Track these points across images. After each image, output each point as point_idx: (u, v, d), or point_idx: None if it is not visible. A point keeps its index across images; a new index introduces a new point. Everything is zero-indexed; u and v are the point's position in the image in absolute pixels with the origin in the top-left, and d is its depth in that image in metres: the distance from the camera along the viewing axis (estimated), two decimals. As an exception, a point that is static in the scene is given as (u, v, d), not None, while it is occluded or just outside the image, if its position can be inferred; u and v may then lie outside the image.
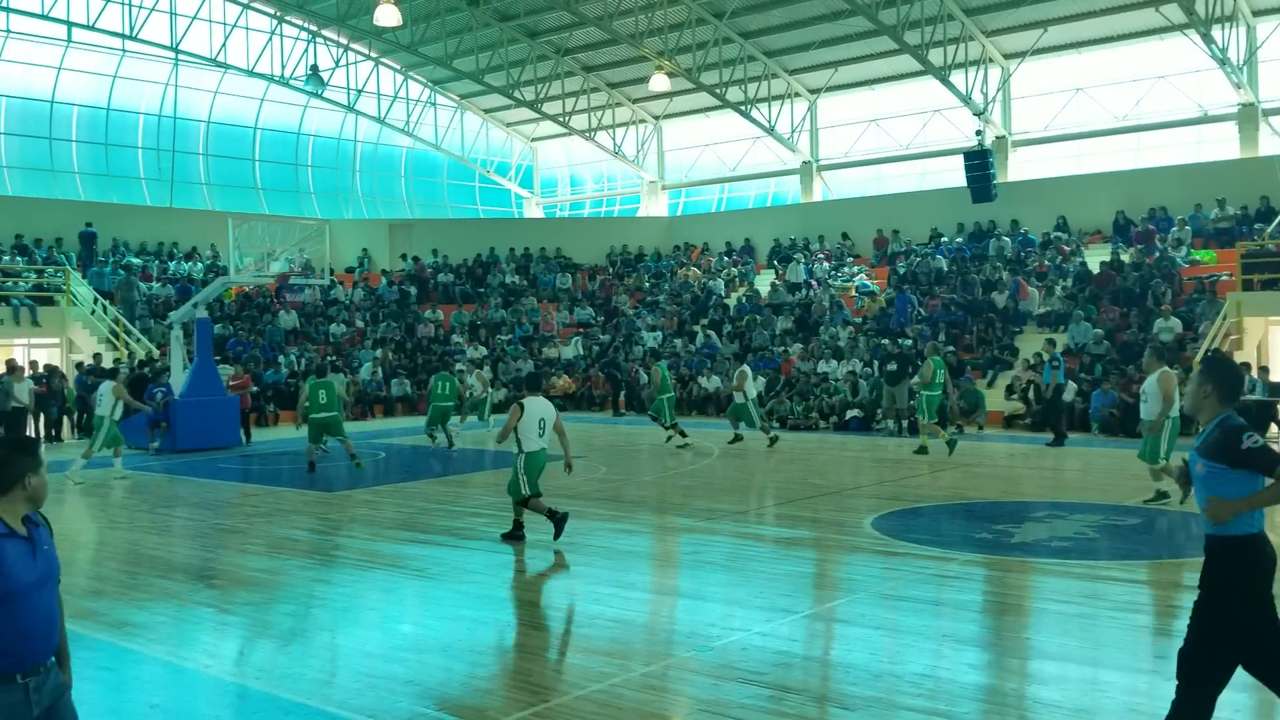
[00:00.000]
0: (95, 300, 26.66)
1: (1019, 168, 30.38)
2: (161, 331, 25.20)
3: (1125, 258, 25.86)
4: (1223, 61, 25.46)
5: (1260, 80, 26.75)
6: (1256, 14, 26.43)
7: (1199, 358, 20.70)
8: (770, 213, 34.82)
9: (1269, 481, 4.34)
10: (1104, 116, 29.12)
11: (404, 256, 34.68)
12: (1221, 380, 4.65)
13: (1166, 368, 12.37)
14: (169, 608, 8.28)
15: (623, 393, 27.66)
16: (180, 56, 32.44)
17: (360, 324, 30.84)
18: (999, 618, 7.87)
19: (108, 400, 16.45)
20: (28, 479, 3.73)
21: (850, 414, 22.75)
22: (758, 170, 35.99)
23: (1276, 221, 24.22)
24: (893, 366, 21.67)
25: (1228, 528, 4.39)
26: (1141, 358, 21.13)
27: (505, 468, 16.82)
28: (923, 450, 17.81)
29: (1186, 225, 26.17)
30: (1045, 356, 20.23)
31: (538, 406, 10.81)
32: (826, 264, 31.41)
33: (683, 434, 19.78)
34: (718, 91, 31.90)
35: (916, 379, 19.17)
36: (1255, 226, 24.68)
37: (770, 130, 33.16)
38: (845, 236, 32.08)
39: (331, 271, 29.35)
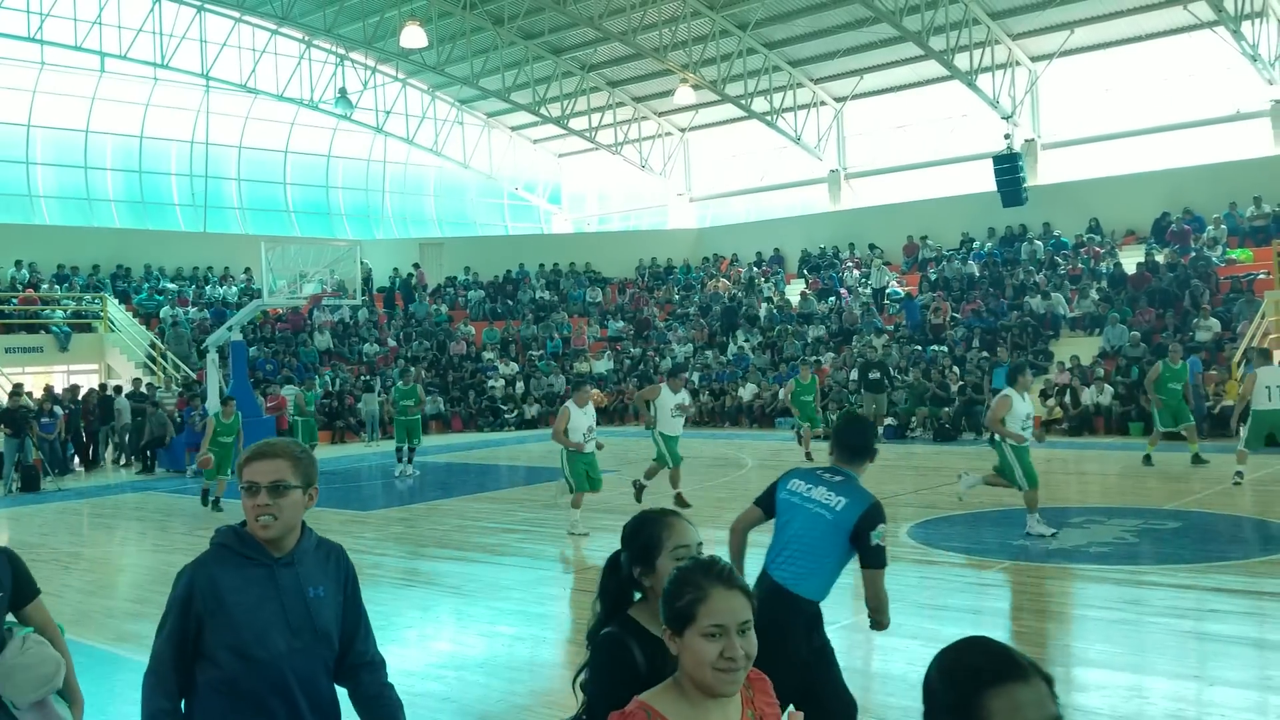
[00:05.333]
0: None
1: (1049, 170, 30.14)
2: (197, 354, 25.51)
3: (1160, 258, 25.59)
4: (1254, 58, 25.18)
5: (1293, 75, 26.42)
6: (1287, 9, 26.13)
7: (1237, 358, 20.47)
8: (799, 221, 34.73)
9: None
10: (1134, 117, 28.84)
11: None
12: None
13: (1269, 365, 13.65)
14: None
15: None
16: (211, 83, 32.89)
17: (393, 342, 31.05)
18: (1039, 625, 7.79)
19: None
20: None
21: (884, 423, 22.62)
22: (785, 180, 35.92)
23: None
24: (875, 375, 21.62)
25: None
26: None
27: (539, 483, 16.89)
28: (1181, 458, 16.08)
29: (1222, 224, 25.88)
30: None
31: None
32: (856, 272, 31.29)
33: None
34: (743, 102, 31.92)
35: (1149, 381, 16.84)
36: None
37: (797, 140, 33.12)
38: (873, 247, 31.90)
39: (363, 290, 29.53)
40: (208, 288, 31.16)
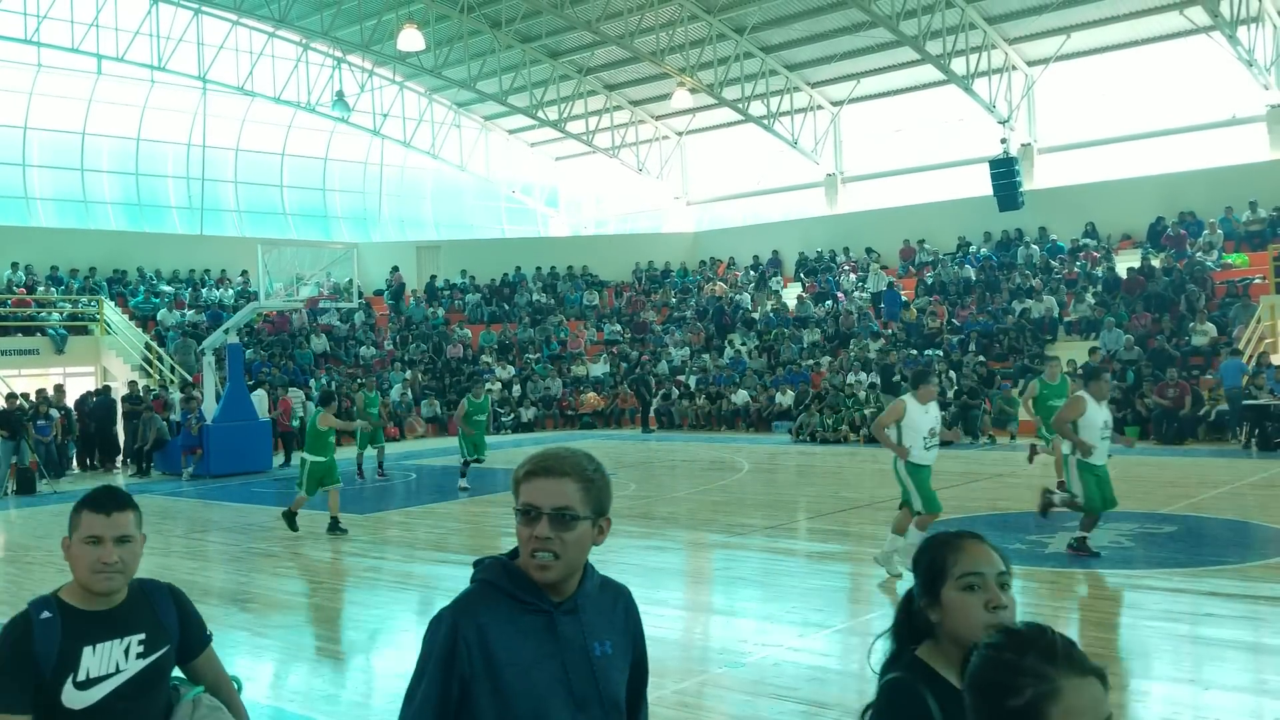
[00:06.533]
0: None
1: (1045, 174, 30.20)
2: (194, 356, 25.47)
3: (1155, 263, 25.64)
4: (1250, 63, 25.23)
5: (1288, 80, 26.48)
6: (1283, 14, 26.20)
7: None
8: (795, 225, 34.76)
9: None
10: (1130, 121, 28.88)
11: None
12: None
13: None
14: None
15: (652, 409, 27.65)
16: (208, 85, 32.88)
17: (390, 345, 31.04)
18: (1035, 629, 7.78)
19: None
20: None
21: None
22: (782, 183, 35.96)
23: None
24: (897, 378, 21.58)
25: None
26: (1172, 365, 21.05)
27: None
28: None
29: (1218, 229, 25.93)
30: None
31: None
32: (853, 275, 31.33)
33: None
34: (740, 106, 31.95)
35: None
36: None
37: (793, 143, 33.15)
38: (869, 250, 31.94)
39: (360, 294, 29.51)
40: (204, 290, 31.14)
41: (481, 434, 16.76)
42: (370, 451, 19.04)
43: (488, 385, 22.19)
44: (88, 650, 2.86)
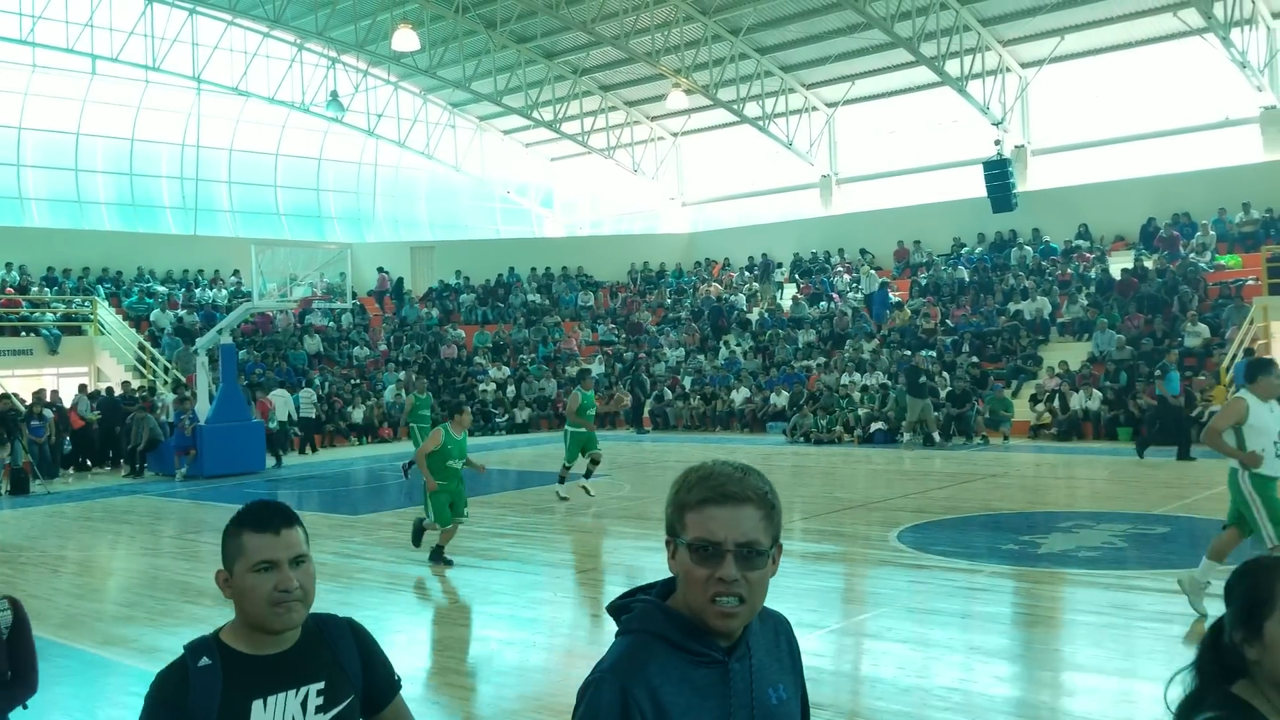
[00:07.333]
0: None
1: (1039, 176, 30.24)
2: (188, 357, 25.42)
3: (1149, 264, 25.70)
4: (1243, 65, 25.30)
5: (1282, 83, 26.55)
6: (1276, 16, 26.24)
7: (1226, 364, 20.56)
8: (790, 226, 34.75)
9: None
10: (1124, 123, 28.94)
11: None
12: None
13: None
14: (198, 633, 8.32)
15: (646, 410, 27.66)
16: (202, 86, 32.84)
17: (383, 346, 31.00)
18: (1028, 630, 7.81)
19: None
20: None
21: (874, 427, 22.66)
22: (777, 185, 35.97)
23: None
24: (922, 380, 21.57)
25: None
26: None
27: (530, 487, 16.89)
28: None
29: (1211, 230, 25.99)
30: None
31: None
32: (847, 276, 31.36)
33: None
34: (735, 107, 31.97)
35: None
36: (1280, 230, 24.50)
37: (788, 145, 33.17)
38: (864, 252, 31.96)
39: (354, 294, 29.47)
40: (197, 291, 31.08)
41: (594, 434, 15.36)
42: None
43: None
44: (257, 704, 2.37)
